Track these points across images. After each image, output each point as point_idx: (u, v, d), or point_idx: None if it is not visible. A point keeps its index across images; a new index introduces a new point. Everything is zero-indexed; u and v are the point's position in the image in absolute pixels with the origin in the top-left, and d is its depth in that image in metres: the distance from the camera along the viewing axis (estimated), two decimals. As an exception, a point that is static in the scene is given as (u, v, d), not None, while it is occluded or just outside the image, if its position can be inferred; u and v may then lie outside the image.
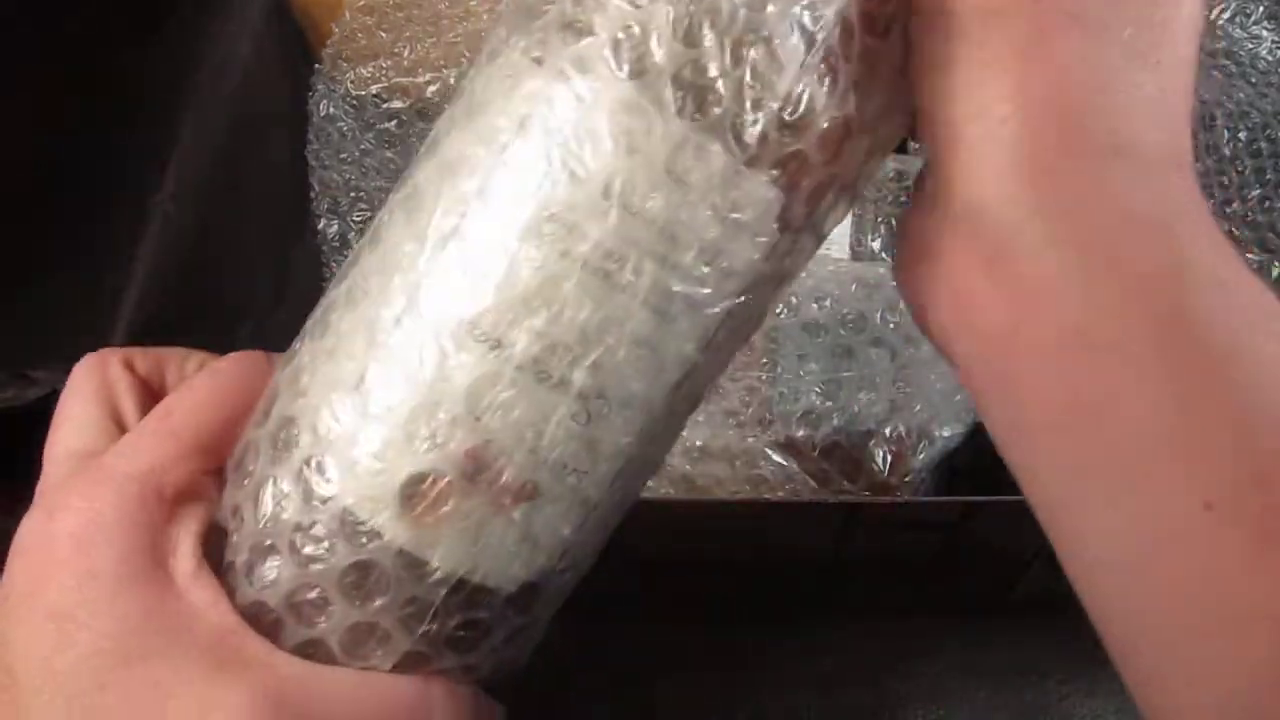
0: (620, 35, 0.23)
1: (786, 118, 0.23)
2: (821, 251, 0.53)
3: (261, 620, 0.25)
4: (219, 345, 0.30)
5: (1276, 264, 0.53)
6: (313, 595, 0.25)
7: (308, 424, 0.25)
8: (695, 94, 0.23)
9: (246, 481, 0.26)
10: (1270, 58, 0.55)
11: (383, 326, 0.24)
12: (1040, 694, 0.48)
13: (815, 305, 0.48)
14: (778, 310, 0.48)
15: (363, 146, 0.62)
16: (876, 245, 0.55)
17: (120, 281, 0.45)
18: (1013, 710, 0.47)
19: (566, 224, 0.23)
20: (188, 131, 0.51)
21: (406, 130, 0.62)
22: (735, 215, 0.23)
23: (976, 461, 0.51)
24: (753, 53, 0.23)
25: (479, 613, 0.25)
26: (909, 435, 0.47)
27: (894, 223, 0.55)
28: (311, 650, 0.25)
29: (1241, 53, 0.55)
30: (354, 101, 0.62)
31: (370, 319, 0.25)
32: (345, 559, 0.24)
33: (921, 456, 0.47)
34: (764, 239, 0.24)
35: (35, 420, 0.42)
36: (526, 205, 0.23)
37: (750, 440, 0.47)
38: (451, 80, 0.61)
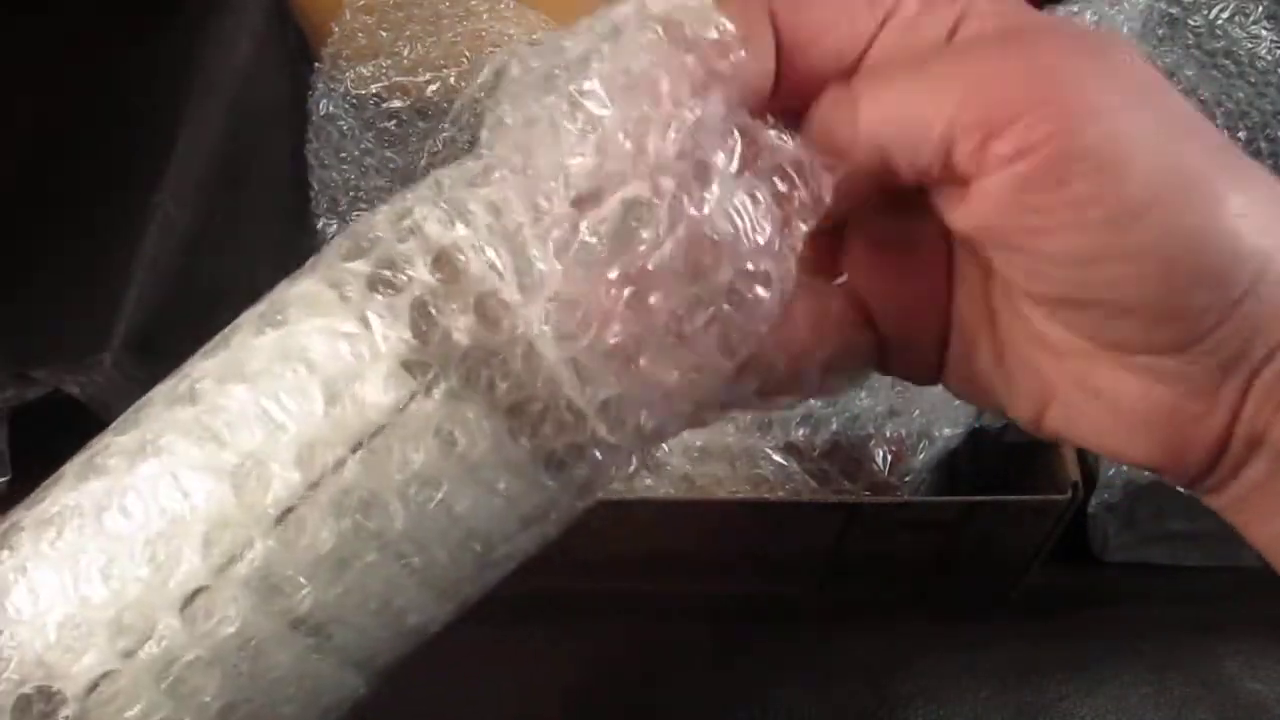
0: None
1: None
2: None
3: None
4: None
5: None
6: None
7: (74, 694, 0.23)
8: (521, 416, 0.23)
9: None
10: (1269, 57, 0.55)
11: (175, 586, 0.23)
12: (1040, 694, 0.48)
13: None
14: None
15: (363, 146, 0.62)
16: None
17: (120, 281, 0.45)
18: (1013, 710, 0.47)
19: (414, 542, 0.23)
20: (188, 131, 0.51)
21: (406, 130, 0.62)
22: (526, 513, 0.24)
23: (976, 461, 0.51)
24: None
25: None
26: (909, 435, 0.47)
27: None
28: None
29: (1240, 52, 0.55)
30: (354, 101, 0.62)
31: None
32: None
33: (921, 456, 0.47)
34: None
35: (35, 420, 0.42)
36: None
37: (750, 441, 0.47)
38: (451, 80, 0.61)
